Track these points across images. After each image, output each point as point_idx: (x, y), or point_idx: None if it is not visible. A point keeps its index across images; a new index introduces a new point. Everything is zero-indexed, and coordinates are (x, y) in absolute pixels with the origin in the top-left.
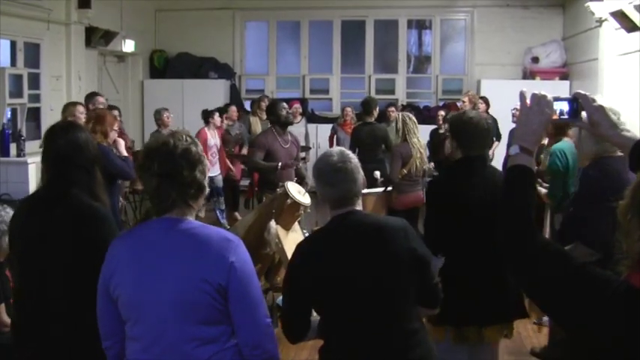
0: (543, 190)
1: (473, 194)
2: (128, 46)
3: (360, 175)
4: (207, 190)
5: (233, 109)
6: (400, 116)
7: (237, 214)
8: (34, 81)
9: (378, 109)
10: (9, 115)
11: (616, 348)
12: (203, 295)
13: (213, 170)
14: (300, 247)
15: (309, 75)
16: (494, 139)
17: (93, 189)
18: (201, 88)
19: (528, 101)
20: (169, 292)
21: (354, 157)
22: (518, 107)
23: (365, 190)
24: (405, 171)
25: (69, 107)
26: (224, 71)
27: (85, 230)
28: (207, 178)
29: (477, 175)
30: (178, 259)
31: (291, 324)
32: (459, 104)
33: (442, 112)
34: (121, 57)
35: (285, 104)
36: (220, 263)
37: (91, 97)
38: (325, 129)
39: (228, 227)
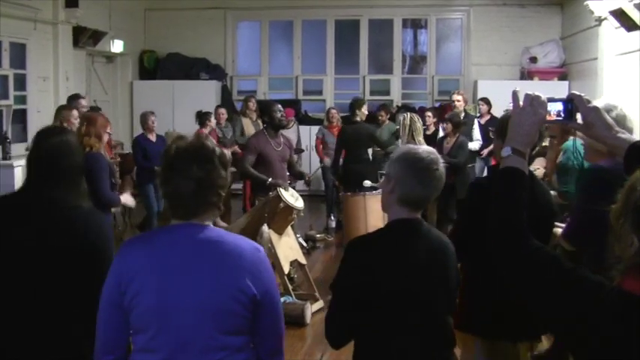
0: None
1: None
2: (117, 46)
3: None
4: None
5: (221, 110)
6: (409, 116)
7: (218, 220)
8: (20, 82)
9: (365, 109)
10: None
11: (607, 352)
12: (237, 305)
13: None
14: (359, 246)
15: (303, 76)
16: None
17: (78, 195)
18: (192, 89)
19: (521, 101)
20: (202, 300)
21: (441, 162)
22: (512, 108)
23: (374, 191)
24: None
25: (62, 111)
26: (215, 72)
27: (70, 236)
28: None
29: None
30: (213, 268)
31: (338, 329)
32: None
33: (429, 113)
34: (110, 57)
35: (280, 106)
36: (256, 275)
37: (73, 99)
38: None
39: None
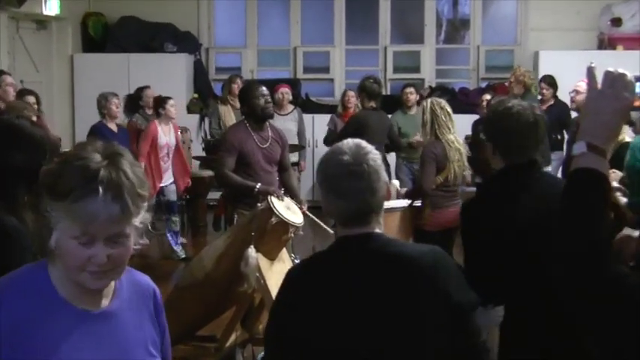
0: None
1: (523, 217)
2: (51, 6)
3: (383, 181)
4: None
5: (150, 93)
6: (428, 104)
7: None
8: None
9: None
10: None
11: None
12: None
13: (167, 178)
14: (289, 279)
15: (303, 47)
16: (558, 134)
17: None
18: (155, 65)
19: (599, 82)
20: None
21: (374, 154)
22: (581, 89)
23: (386, 204)
24: (440, 179)
25: None
26: (186, 43)
27: None
28: None
29: (526, 190)
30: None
31: None
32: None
33: (487, 97)
34: (42, 23)
35: (264, 88)
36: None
37: None
38: (324, 120)
39: (183, 257)
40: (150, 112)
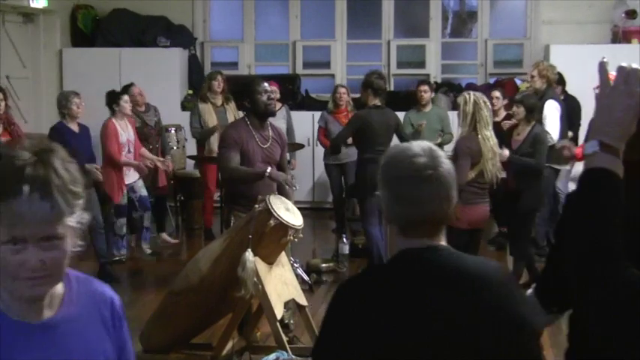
0: None
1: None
2: None
3: (455, 188)
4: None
5: (136, 90)
6: (472, 96)
7: (165, 235)
8: None
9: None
10: None
11: None
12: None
13: (131, 175)
14: (345, 296)
15: (302, 42)
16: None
17: None
18: (147, 60)
19: (612, 77)
20: None
21: (446, 159)
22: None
23: None
24: (473, 174)
25: None
26: (180, 37)
27: None
28: None
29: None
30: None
31: None
32: (518, 81)
33: (497, 94)
34: (29, 16)
35: (266, 85)
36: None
37: None
38: None
39: (149, 252)
40: (141, 108)
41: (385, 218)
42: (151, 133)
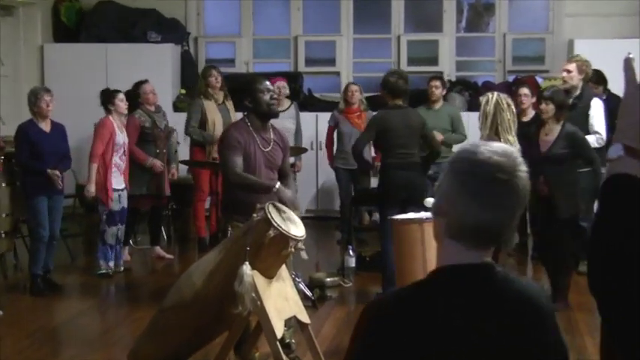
0: None
1: None
2: None
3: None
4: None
5: (148, 88)
6: (494, 97)
7: (159, 249)
8: None
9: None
10: None
11: None
12: None
13: (120, 181)
14: (377, 312)
15: (305, 37)
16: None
17: None
18: (136, 56)
19: (638, 76)
20: None
21: (524, 166)
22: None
23: (424, 214)
24: None
25: None
26: (172, 31)
27: None
28: None
29: None
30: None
31: None
32: (539, 79)
33: (525, 90)
34: (8, 8)
35: (268, 83)
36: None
37: None
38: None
39: (121, 269)
40: (151, 108)
41: (446, 224)
42: (161, 136)
